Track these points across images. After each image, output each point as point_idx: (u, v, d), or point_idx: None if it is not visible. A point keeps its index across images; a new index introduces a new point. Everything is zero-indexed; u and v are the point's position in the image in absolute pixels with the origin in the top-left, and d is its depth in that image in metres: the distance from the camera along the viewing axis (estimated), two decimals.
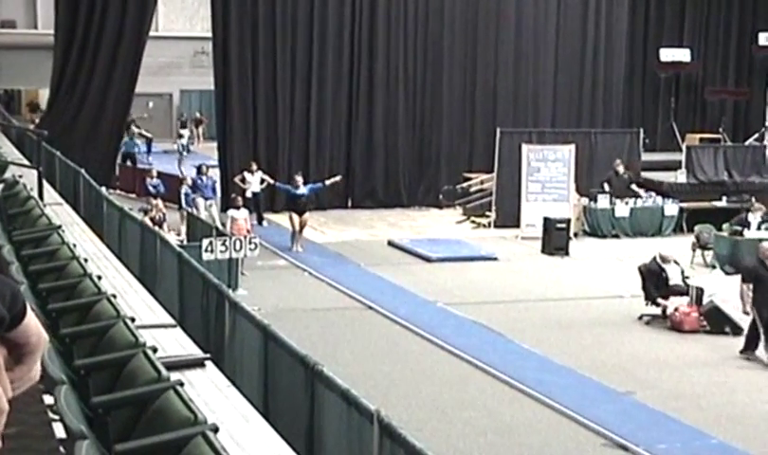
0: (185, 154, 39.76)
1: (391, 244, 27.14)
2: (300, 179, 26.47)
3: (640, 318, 19.77)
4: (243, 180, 28.96)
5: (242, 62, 31.51)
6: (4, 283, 1.54)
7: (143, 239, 16.82)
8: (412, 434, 7.84)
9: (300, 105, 32.24)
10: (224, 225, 23.69)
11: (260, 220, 28.92)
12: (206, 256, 18.01)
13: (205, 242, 18.57)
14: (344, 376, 9.11)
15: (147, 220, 21.45)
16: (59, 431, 5.26)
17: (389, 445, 8.02)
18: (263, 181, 29.27)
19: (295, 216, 25.80)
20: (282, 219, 30.13)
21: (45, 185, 16.30)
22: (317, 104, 32.33)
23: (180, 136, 42.81)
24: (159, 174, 29.84)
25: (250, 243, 19.31)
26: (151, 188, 28.13)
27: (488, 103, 34.17)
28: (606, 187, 29.06)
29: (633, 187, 29.23)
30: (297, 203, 26.07)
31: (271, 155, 31.69)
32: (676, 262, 20.27)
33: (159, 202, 25.25)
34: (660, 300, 19.51)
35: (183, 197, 27.26)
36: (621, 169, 29.21)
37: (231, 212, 24.48)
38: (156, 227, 20.23)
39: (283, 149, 32.06)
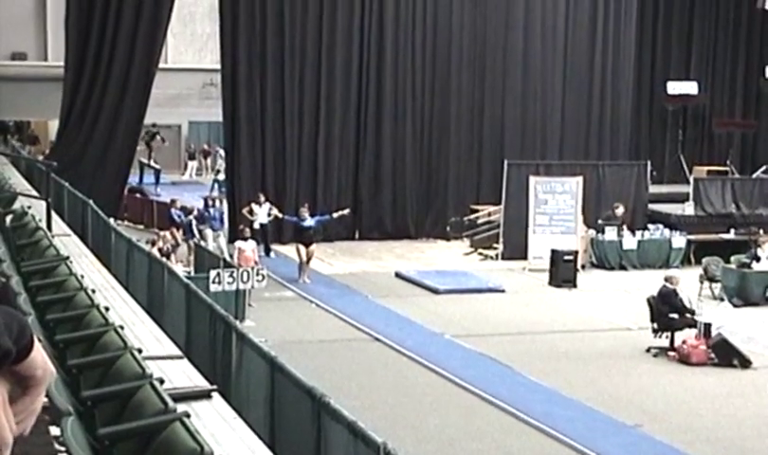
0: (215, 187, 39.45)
1: (398, 275, 27.13)
2: (306, 211, 26.65)
3: (648, 350, 19.73)
4: (250, 211, 29.00)
5: (250, 94, 31.63)
6: (11, 316, 1.55)
7: (151, 270, 16.83)
8: None
9: (307, 137, 32.31)
10: (231, 256, 23.69)
11: (267, 251, 28.93)
12: (213, 287, 18.01)
13: (212, 273, 18.58)
14: (351, 408, 9.10)
15: (155, 251, 21.49)
16: None
17: None
18: (270, 213, 29.30)
19: (302, 247, 25.87)
20: (289, 250, 30.14)
21: (54, 216, 16.34)
22: (324, 136, 32.41)
23: (199, 171, 42.96)
24: (168, 205, 29.90)
25: (258, 274, 19.31)
26: (176, 217, 28.16)
27: (496, 135, 34.21)
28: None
29: (623, 231, 29.05)
30: (304, 235, 26.18)
31: (279, 187, 31.76)
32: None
33: (167, 233, 25.30)
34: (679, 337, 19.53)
35: (194, 228, 27.35)
36: (619, 211, 29.14)
37: (239, 243, 24.49)
38: (164, 258, 20.27)
39: (290, 180, 32.11)
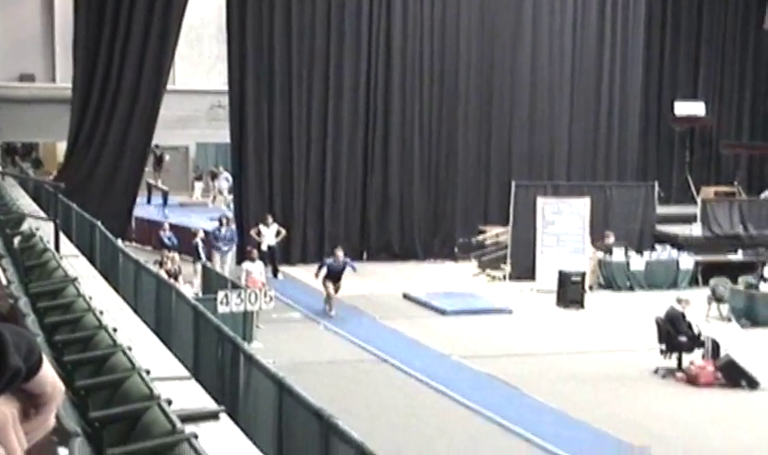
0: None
1: (406, 297, 27.12)
2: (340, 253, 25.61)
3: (656, 371, 19.71)
4: (258, 233, 29.04)
5: (258, 115, 31.71)
6: (20, 335, 1.57)
7: (158, 291, 16.85)
8: None
9: (315, 159, 32.36)
10: (239, 278, 23.68)
11: (275, 273, 28.94)
12: (221, 309, 18.03)
13: (220, 294, 18.60)
14: (359, 430, 9.09)
15: (162, 272, 21.51)
16: None
17: None
18: (278, 234, 29.34)
19: (330, 284, 24.99)
20: (297, 272, 30.23)
21: (62, 237, 16.37)
22: (332, 158, 32.45)
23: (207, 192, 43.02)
24: (174, 227, 29.94)
25: (265, 295, 19.32)
26: (165, 239, 28.24)
27: (503, 157, 34.24)
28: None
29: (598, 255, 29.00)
30: (335, 274, 25.20)
31: (287, 208, 31.79)
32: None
33: (175, 254, 25.33)
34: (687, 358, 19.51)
35: (200, 249, 27.42)
36: (609, 240, 29.08)
37: (246, 265, 24.50)
38: (171, 280, 20.29)
39: (298, 202, 32.14)
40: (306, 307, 25.19)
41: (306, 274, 30.08)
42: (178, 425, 6.09)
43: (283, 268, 29.97)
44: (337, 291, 25.11)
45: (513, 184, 29.96)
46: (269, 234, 29.19)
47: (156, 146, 40.36)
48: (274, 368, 11.16)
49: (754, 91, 38.33)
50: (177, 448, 5.67)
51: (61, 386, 1.65)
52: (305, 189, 32.29)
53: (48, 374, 1.61)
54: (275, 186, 32.00)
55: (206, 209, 40.82)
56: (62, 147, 36.09)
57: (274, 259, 29.27)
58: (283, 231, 29.52)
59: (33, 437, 1.58)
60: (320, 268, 25.29)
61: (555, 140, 34.67)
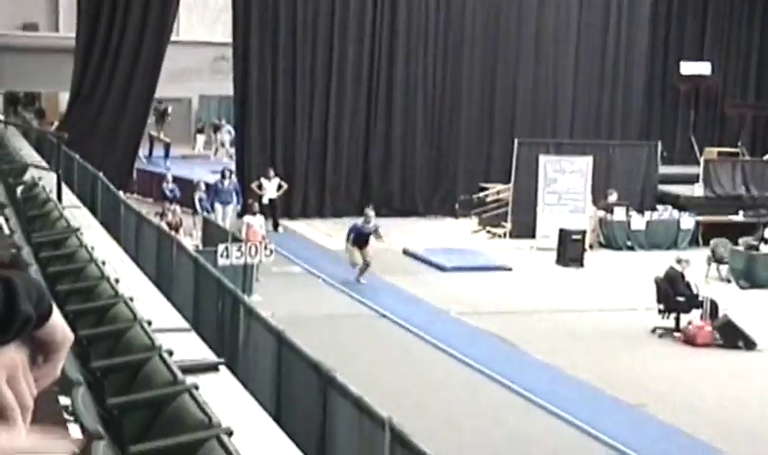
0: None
1: (406, 252, 27.17)
2: (371, 212, 23.97)
3: (653, 331, 19.80)
4: (259, 186, 29.06)
5: (262, 69, 31.64)
6: (30, 282, 1.59)
7: (159, 243, 16.91)
8: (423, 442, 7.90)
9: (318, 113, 32.32)
10: (239, 231, 23.72)
11: (275, 226, 28.98)
12: (221, 261, 18.09)
13: (221, 247, 18.65)
14: (357, 384, 9.16)
15: (163, 224, 21.56)
16: (74, 432, 5.33)
17: (400, 453, 8.07)
18: (279, 187, 29.36)
19: (356, 249, 23.34)
20: (297, 226, 30.26)
21: (64, 188, 16.40)
22: (335, 113, 32.42)
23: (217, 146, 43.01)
24: (176, 179, 29.95)
25: (266, 249, 19.38)
26: (167, 192, 28.23)
27: (507, 114, 34.19)
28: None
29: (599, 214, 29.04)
30: (363, 237, 23.53)
31: (288, 162, 31.78)
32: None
33: (177, 207, 25.36)
34: (685, 318, 19.61)
35: (198, 202, 27.42)
36: (612, 198, 29.10)
37: (247, 218, 24.54)
38: (172, 232, 20.34)
39: (300, 156, 32.14)
40: (306, 261, 25.24)
41: (307, 228, 30.18)
42: (179, 375, 6.16)
43: (284, 222, 30.02)
44: (365, 258, 23.29)
45: (516, 142, 29.94)
46: (271, 188, 29.20)
47: (159, 102, 40.23)
48: (273, 321, 11.23)
49: (761, 51, 38.21)
50: (178, 399, 5.74)
51: (70, 334, 1.69)
52: (308, 143, 32.27)
53: (58, 322, 1.64)
54: (277, 140, 31.99)
55: (208, 161, 40.81)
56: (64, 97, 36.02)
57: (275, 212, 29.31)
58: (285, 185, 29.54)
59: (41, 385, 1.62)
60: (349, 233, 23.56)
61: (558, 99, 34.62)
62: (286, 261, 24.81)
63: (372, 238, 23.48)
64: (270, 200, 29.01)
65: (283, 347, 10.59)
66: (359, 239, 23.30)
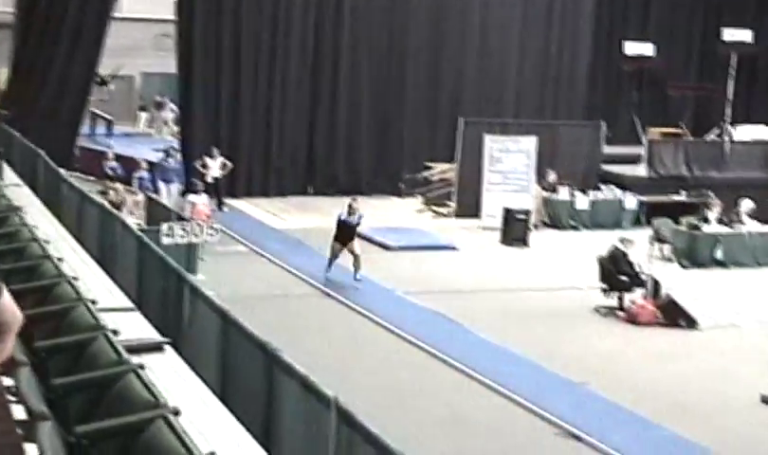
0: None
1: None
2: (356, 205, 22.37)
3: (597, 309, 19.94)
4: (204, 165, 28.88)
5: (205, 45, 31.35)
6: None
7: (103, 222, 16.74)
8: (369, 421, 7.89)
9: (263, 91, 32.11)
10: (183, 209, 23.57)
11: (220, 205, 28.80)
12: (165, 240, 17.93)
13: (164, 226, 18.49)
14: (303, 363, 9.13)
15: (106, 203, 21.35)
16: (19, 413, 5.27)
17: (346, 432, 8.06)
18: (224, 166, 29.19)
19: (337, 244, 21.74)
20: (242, 205, 30.10)
21: (4, 166, 16.20)
22: (280, 90, 32.24)
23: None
24: (118, 157, 29.68)
25: (210, 228, 19.26)
26: (109, 170, 27.95)
27: (452, 94, 34.20)
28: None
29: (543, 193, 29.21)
30: (345, 230, 21.84)
31: (233, 141, 31.50)
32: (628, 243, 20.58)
33: (119, 185, 25.13)
34: (628, 297, 19.76)
35: (137, 181, 27.18)
36: (551, 178, 29.25)
37: (191, 197, 24.40)
38: (115, 210, 20.14)
39: (244, 135, 31.92)
40: (251, 240, 25.11)
41: (252, 207, 30.04)
42: (124, 355, 6.11)
43: (229, 201, 29.83)
44: (353, 253, 21.63)
45: (461, 121, 29.96)
46: (215, 167, 29.03)
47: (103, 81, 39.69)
48: (218, 300, 11.16)
49: (703, 32, 38.45)
50: (123, 379, 5.69)
51: (19, 315, 1.66)
52: (252, 122, 32.07)
53: (7, 303, 1.62)
54: (222, 118, 31.74)
55: (151, 139, 40.48)
56: (3, 74, 35.56)
57: (219, 191, 29.12)
58: (229, 164, 29.38)
59: None
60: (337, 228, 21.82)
61: (504, 79, 34.68)
62: (231, 240, 24.68)
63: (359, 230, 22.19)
64: (215, 179, 28.83)
65: (228, 326, 10.53)
66: (343, 232, 21.67)
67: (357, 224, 22.10)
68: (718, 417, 14.41)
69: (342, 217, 21.95)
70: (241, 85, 31.82)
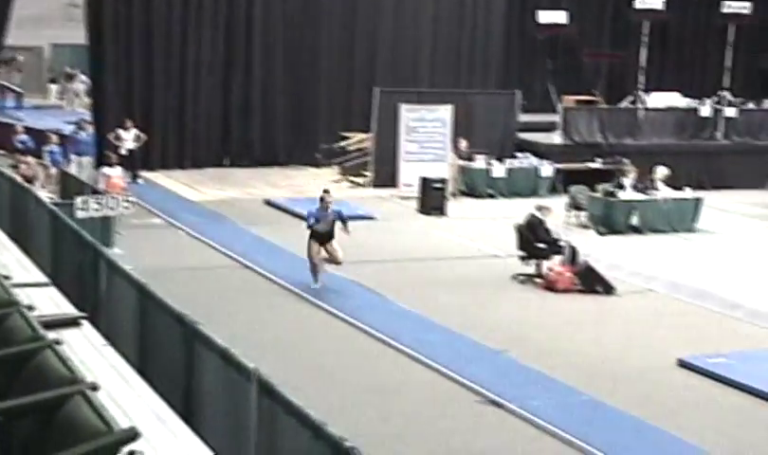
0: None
1: (268, 203, 26.99)
2: (330, 198, 19.12)
3: (515, 277, 20.04)
4: (117, 137, 28.50)
5: (115, 16, 30.80)
6: None
7: (14, 196, 16.44)
8: (290, 393, 7.83)
9: (176, 61, 31.71)
10: (97, 182, 23.22)
11: (134, 177, 28.44)
12: (80, 214, 17.63)
13: (78, 199, 18.19)
14: (223, 335, 9.04)
15: (18, 177, 20.97)
16: None
17: (267, 404, 8.00)
18: (138, 138, 28.83)
19: (315, 244, 18.66)
20: (157, 177, 29.77)
21: None
22: (193, 61, 31.87)
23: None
24: (28, 130, 29.15)
25: (125, 201, 18.99)
26: (19, 144, 27.45)
27: (367, 63, 34.11)
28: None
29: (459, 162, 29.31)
30: (321, 229, 18.68)
31: (146, 113, 31.07)
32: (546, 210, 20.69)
33: (30, 158, 24.71)
34: (545, 264, 19.88)
35: (48, 154, 26.75)
36: (462, 146, 29.33)
37: (105, 170, 24.08)
38: (28, 184, 19.79)
39: (158, 106, 31.54)
40: (168, 213, 24.84)
41: (167, 179, 29.74)
42: (40, 331, 5.96)
43: (144, 174, 29.47)
44: (331, 255, 18.68)
45: (376, 91, 29.89)
46: (128, 139, 28.68)
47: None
48: (135, 274, 11.01)
49: (615, 0, 38.76)
50: (40, 355, 5.54)
51: None
52: (165, 92, 31.68)
53: None
54: (134, 89, 31.30)
55: (62, 112, 39.89)
56: None
57: (134, 164, 28.76)
58: (143, 136, 29.03)
59: None
60: (308, 222, 18.77)
61: (418, 48, 34.64)
62: (147, 213, 24.43)
63: (340, 228, 18.89)
64: (129, 151, 28.48)
65: (146, 300, 10.40)
66: (320, 231, 18.57)
67: (334, 220, 18.74)
68: (636, 381, 14.56)
69: (314, 211, 18.74)
70: (153, 56, 31.38)
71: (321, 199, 18.97)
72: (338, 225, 18.84)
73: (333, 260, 18.74)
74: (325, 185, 29.35)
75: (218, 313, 15.82)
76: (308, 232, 18.66)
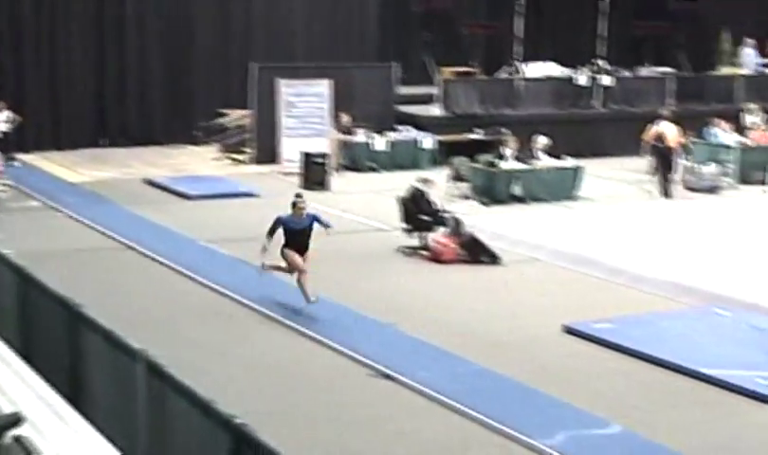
0: None
1: (149, 182, 26.64)
2: (303, 204, 16.59)
3: (401, 250, 20.08)
4: None
5: None
6: None
7: None
8: (180, 373, 7.72)
9: (47, 39, 31.04)
10: None
11: (10, 160, 27.76)
12: None
13: None
14: (107, 317, 8.88)
15: None
16: None
17: (156, 385, 7.91)
18: (13, 121, 28.17)
19: (290, 253, 16.31)
20: (32, 159, 29.17)
21: None
22: (64, 36, 31.25)
23: None
24: None
25: (2, 184, 18.57)
26: None
27: (243, 39, 33.83)
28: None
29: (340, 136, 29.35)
30: (298, 237, 16.44)
31: (18, 93, 30.30)
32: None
33: None
34: (430, 236, 19.94)
35: None
36: (344, 120, 29.32)
37: None
38: None
39: (30, 86, 30.87)
40: (46, 195, 24.32)
41: (43, 161, 29.17)
42: None
43: (19, 156, 28.80)
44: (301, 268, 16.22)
45: (253, 66, 29.62)
46: (1, 120, 28.01)
47: None
48: (15, 258, 10.76)
49: None
50: None
51: None
52: (37, 72, 31.01)
53: None
54: (4, 69, 30.56)
55: None
56: None
57: (8, 146, 28.05)
58: (17, 117, 28.37)
59: None
60: (273, 229, 16.46)
61: (293, 21, 34.41)
62: (25, 196, 23.93)
63: (323, 231, 16.85)
64: (3, 133, 27.82)
65: (27, 284, 10.17)
66: (295, 239, 16.36)
67: (309, 227, 16.55)
68: (524, 349, 14.68)
69: (284, 218, 16.50)
70: (23, 34, 30.72)
71: (294, 205, 16.41)
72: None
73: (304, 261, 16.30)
74: (205, 163, 29.35)
75: (101, 295, 15.53)
76: (281, 245, 16.37)
